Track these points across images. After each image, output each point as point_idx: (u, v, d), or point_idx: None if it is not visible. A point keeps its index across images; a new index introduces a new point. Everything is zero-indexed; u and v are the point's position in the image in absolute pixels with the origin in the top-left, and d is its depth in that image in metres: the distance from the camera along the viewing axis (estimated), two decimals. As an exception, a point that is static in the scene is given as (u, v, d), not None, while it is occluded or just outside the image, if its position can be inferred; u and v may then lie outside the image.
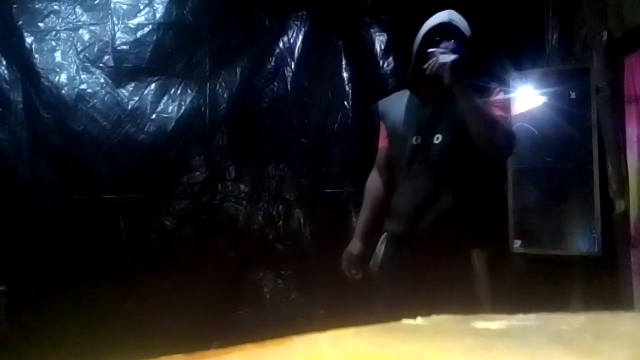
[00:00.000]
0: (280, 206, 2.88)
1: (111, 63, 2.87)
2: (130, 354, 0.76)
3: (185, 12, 2.92)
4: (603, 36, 2.44)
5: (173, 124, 2.87)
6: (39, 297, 2.71)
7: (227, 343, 0.62)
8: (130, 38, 2.89)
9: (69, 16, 2.88)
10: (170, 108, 2.88)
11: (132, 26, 2.89)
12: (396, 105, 2.01)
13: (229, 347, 0.61)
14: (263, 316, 2.79)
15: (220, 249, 2.84)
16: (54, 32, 2.87)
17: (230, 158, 2.90)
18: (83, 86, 2.85)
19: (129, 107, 2.86)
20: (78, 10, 2.89)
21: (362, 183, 2.14)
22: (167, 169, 2.87)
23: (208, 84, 2.91)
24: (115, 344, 2.47)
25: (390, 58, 2.89)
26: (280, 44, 2.94)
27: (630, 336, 0.64)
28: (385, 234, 2.00)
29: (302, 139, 2.89)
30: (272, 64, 2.94)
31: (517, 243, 2.57)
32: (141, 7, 2.91)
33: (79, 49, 2.87)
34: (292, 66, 2.92)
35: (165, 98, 2.88)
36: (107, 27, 2.88)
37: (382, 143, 2.07)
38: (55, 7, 2.88)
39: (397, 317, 0.70)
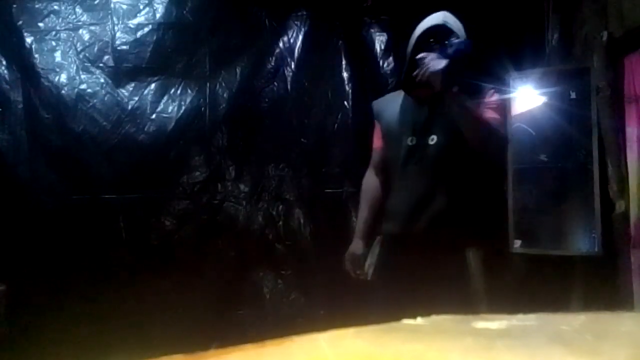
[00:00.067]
0: (280, 206, 2.88)
1: (111, 63, 2.87)
2: (130, 354, 0.76)
3: (185, 12, 2.92)
4: (603, 36, 2.44)
5: (173, 124, 2.87)
6: (39, 297, 2.71)
7: (227, 343, 0.62)
8: (130, 38, 2.88)
9: (69, 16, 2.88)
10: (170, 108, 2.88)
11: (132, 26, 2.89)
12: (391, 105, 2.02)
13: (229, 347, 0.61)
14: (263, 316, 2.79)
15: (220, 249, 2.84)
16: (53, 32, 2.87)
17: (230, 158, 2.90)
18: (83, 86, 2.85)
19: (129, 107, 2.86)
20: (78, 10, 2.89)
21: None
22: (167, 169, 2.86)
23: (208, 84, 2.91)
24: (116, 344, 2.47)
25: (390, 58, 2.89)
26: (280, 44, 2.93)
27: (631, 336, 0.64)
28: (380, 234, 2.00)
29: (302, 139, 2.89)
30: (272, 64, 2.93)
31: (517, 243, 2.56)
32: (141, 7, 2.91)
33: (78, 49, 2.87)
34: (292, 66, 2.92)
35: (165, 98, 2.88)
36: (107, 27, 2.88)
37: (377, 143, 2.08)
38: (55, 7, 2.88)
39: (393, 318, 0.70)
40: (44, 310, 2.68)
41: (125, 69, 2.87)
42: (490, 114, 1.85)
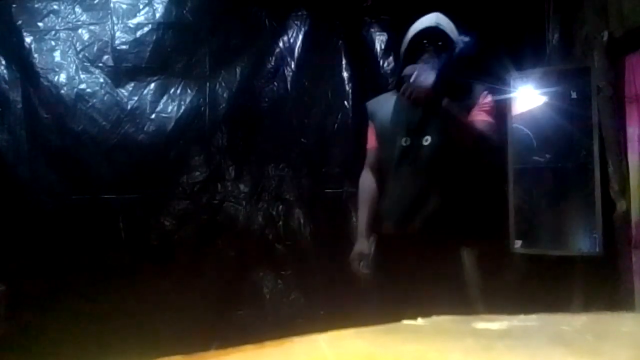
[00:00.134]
0: (280, 206, 2.87)
1: (110, 63, 2.87)
2: (130, 354, 0.76)
3: (185, 12, 2.91)
4: (604, 36, 2.44)
5: (173, 123, 2.86)
6: (39, 297, 2.71)
7: (227, 343, 0.62)
8: (130, 38, 2.88)
9: (69, 16, 2.88)
10: (169, 108, 2.88)
11: (131, 26, 2.89)
12: (385, 106, 2.02)
13: (229, 347, 0.60)
14: (263, 316, 2.79)
15: (220, 249, 2.83)
16: (53, 32, 2.87)
17: (230, 158, 2.89)
18: (82, 86, 2.85)
19: (129, 107, 2.85)
20: (77, 10, 2.89)
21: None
22: (166, 169, 2.86)
23: (208, 84, 2.90)
24: (116, 344, 2.47)
25: (390, 58, 2.88)
26: (280, 44, 2.93)
27: (631, 337, 0.64)
28: (374, 234, 2.00)
29: (302, 139, 2.88)
30: (272, 63, 2.93)
31: (518, 243, 2.56)
32: (141, 6, 2.90)
33: (78, 49, 2.87)
34: (292, 66, 2.92)
35: (165, 98, 2.88)
36: (106, 27, 2.88)
37: (372, 144, 2.08)
38: (55, 7, 2.88)
39: (387, 317, 0.69)
40: (44, 310, 2.68)
41: (125, 68, 2.87)
42: (482, 117, 1.86)
